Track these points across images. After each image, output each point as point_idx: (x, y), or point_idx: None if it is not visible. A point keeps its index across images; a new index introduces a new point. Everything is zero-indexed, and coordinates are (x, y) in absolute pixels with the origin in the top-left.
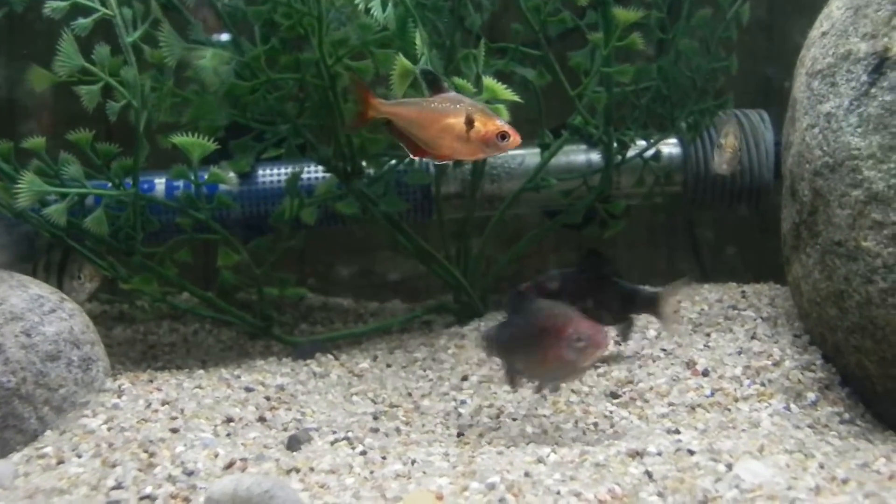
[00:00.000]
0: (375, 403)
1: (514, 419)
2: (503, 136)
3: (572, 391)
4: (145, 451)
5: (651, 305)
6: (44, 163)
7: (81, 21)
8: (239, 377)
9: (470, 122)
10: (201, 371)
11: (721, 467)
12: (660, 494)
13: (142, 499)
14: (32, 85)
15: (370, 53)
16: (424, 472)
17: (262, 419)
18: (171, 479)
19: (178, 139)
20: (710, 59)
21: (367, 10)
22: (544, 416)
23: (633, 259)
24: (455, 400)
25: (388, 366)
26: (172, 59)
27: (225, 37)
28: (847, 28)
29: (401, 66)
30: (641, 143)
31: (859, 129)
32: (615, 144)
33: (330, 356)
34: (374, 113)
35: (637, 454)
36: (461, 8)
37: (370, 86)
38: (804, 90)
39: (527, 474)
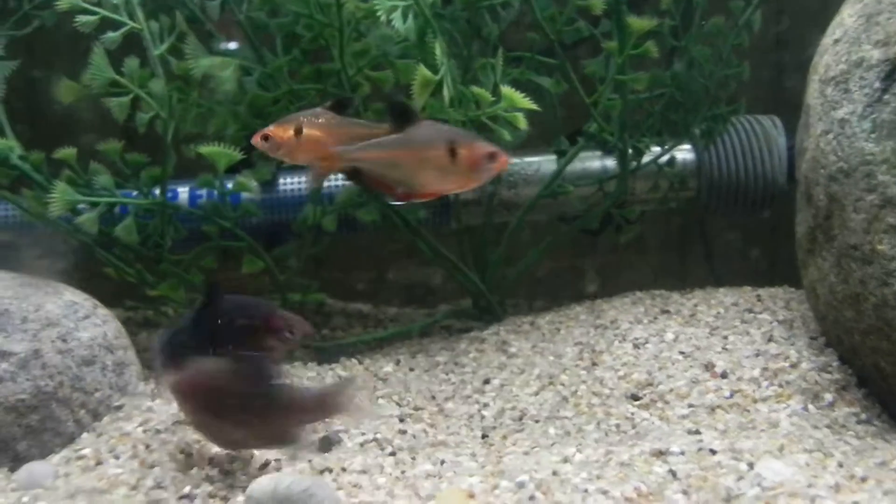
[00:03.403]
0: (400, 406)
1: (537, 421)
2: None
3: (594, 393)
4: (182, 453)
5: None
6: (74, 173)
7: (111, 34)
8: None
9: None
10: None
11: (743, 466)
12: (684, 492)
13: (181, 498)
14: (60, 97)
15: (390, 64)
16: (455, 472)
17: None
18: (208, 478)
19: (205, 149)
20: (722, 65)
21: (389, 22)
22: (567, 417)
23: (646, 263)
24: (478, 403)
25: (411, 370)
26: (198, 70)
27: (233, 45)
28: (859, 35)
29: (421, 76)
30: (656, 149)
31: (873, 135)
32: (630, 151)
33: (354, 360)
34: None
35: (660, 454)
36: (478, 18)
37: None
38: (817, 97)
39: (554, 473)
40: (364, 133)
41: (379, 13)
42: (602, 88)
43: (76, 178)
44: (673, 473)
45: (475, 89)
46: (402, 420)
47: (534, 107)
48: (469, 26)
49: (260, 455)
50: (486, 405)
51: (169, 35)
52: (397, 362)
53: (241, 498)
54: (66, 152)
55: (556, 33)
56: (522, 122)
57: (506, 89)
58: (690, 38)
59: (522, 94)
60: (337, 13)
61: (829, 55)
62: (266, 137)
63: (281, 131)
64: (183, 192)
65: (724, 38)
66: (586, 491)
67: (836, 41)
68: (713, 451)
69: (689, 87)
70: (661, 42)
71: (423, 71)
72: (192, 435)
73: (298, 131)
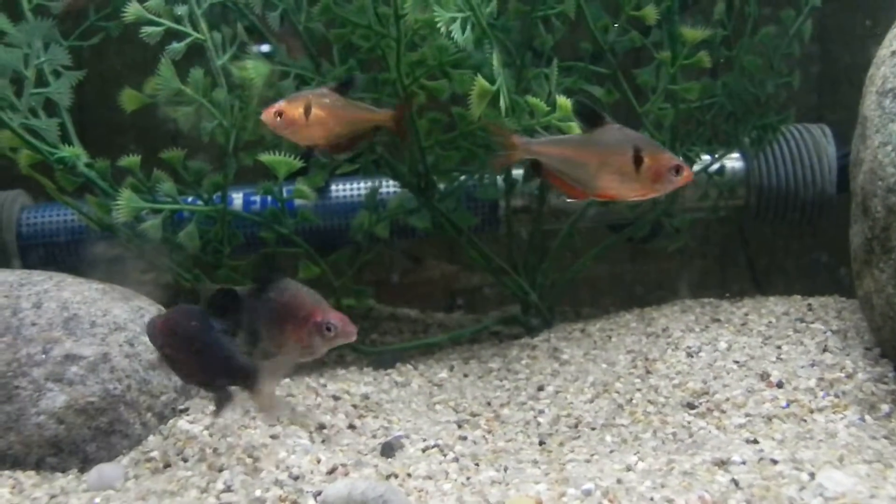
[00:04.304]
0: (457, 412)
1: (593, 429)
2: (676, 170)
3: (649, 402)
4: (250, 457)
5: (245, 378)
6: (138, 180)
7: (175, 45)
8: (325, 385)
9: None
10: (287, 380)
11: (804, 476)
12: (748, 502)
13: (252, 501)
14: (123, 106)
15: (445, 74)
16: (519, 479)
17: (352, 426)
18: (278, 482)
19: (266, 157)
20: (773, 75)
21: (449, 34)
22: (623, 425)
23: (686, 270)
24: (533, 409)
25: (465, 376)
26: (259, 80)
27: (265, 48)
28: None
29: (479, 86)
30: (706, 157)
31: None
32: (681, 159)
33: (409, 366)
34: (523, 154)
35: (722, 463)
36: (532, 28)
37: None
38: (875, 108)
39: (619, 481)
40: (365, 116)
41: (439, 25)
42: (654, 98)
43: (140, 185)
44: (735, 483)
45: (530, 99)
46: (459, 426)
47: None
48: (522, 36)
49: (327, 460)
50: (541, 412)
51: (230, 46)
52: (451, 368)
53: (311, 502)
54: (131, 160)
55: (609, 43)
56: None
57: (560, 99)
58: (741, 47)
59: None
60: (395, 24)
61: (887, 67)
62: (280, 114)
63: (292, 109)
64: (237, 197)
65: (774, 48)
66: (652, 499)
67: (894, 53)
68: (774, 461)
69: (739, 96)
70: (711, 51)
71: (481, 81)
72: (258, 438)
73: (307, 110)
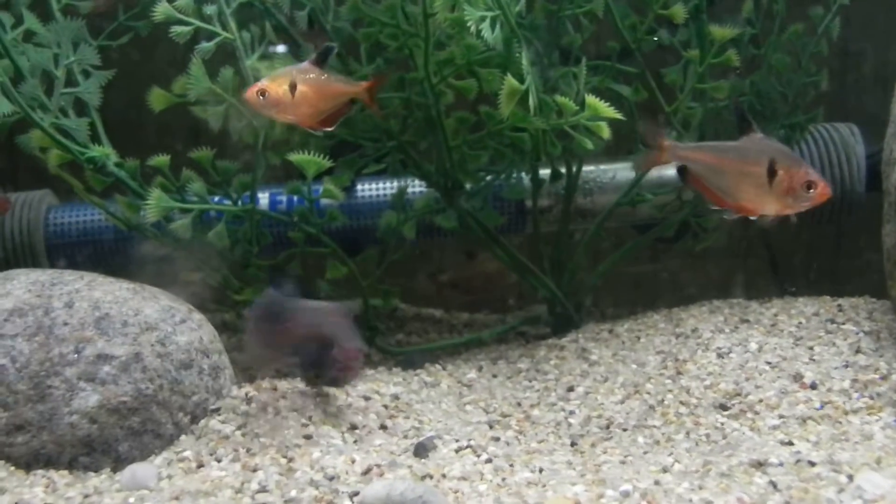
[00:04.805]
0: (488, 413)
1: (625, 430)
2: (810, 185)
3: (681, 403)
4: (284, 457)
5: None
6: (168, 180)
7: (205, 44)
8: (355, 386)
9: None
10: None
11: (842, 478)
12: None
13: (287, 502)
14: (151, 106)
15: (472, 73)
16: (556, 480)
17: (383, 427)
18: (313, 483)
19: (295, 156)
20: (801, 73)
21: (478, 33)
22: (655, 426)
23: (710, 270)
24: (564, 410)
25: (494, 376)
26: None
27: (280, 48)
28: None
29: (509, 85)
30: None
31: None
32: None
33: (438, 366)
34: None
35: (759, 465)
36: (560, 27)
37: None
38: None
39: (656, 483)
40: (346, 89)
41: (468, 23)
42: (682, 97)
43: (169, 184)
44: (773, 485)
45: (559, 98)
46: (491, 427)
47: (618, 116)
48: (549, 35)
49: (361, 460)
50: (571, 413)
51: (259, 45)
52: (480, 368)
53: (348, 502)
54: (160, 160)
55: (637, 42)
56: (606, 132)
57: (589, 98)
58: (769, 45)
59: (605, 103)
60: (424, 24)
61: None
62: (263, 93)
63: (276, 86)
64: (263, 197)
65: (802, 46)
66: (690, 501)
67: None
68: (812, 463)
69: (767, 94)
70: (739, 50)
71: (510, 80)
72: (291, 438)
73: (292, 88)
